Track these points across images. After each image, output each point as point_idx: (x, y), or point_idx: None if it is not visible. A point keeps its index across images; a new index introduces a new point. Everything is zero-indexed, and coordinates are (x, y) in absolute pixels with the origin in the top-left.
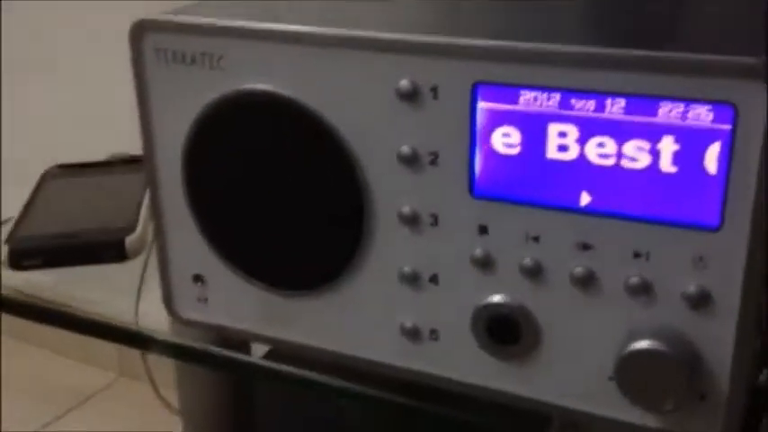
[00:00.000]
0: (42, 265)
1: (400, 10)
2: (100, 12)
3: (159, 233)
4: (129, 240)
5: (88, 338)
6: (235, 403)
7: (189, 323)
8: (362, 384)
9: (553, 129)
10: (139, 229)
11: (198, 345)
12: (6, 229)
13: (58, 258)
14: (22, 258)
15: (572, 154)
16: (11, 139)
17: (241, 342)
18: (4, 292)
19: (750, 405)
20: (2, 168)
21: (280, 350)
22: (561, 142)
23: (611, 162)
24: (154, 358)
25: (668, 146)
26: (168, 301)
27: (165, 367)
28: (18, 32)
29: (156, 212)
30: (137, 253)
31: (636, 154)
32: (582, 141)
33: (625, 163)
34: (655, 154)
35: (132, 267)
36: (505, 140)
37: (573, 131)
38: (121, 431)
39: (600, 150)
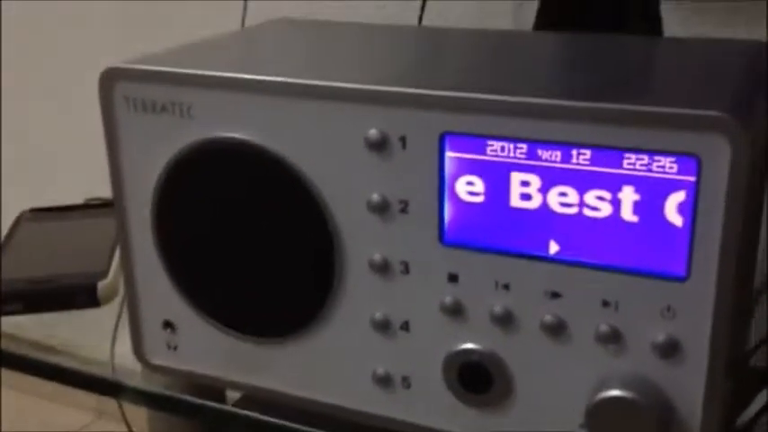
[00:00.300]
0: (21, 311)
1: (373, 60)
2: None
3: (129, 279)
4: (102, 285)
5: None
6: None
7: (158, 369)
8: None
9: (516, 178)
10: (112, 274)
11: (169, 392)
12: None
13: (35, 304)
14: (2, 304)
15: (536, 203)
16: None
17: (214, 389)
18: None
19: None
20: None
21: (253, 397)
22: (524, 191)
23: (575, 211)
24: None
25: (633, 197)
26: (138, 347)
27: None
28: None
29: (126, 258)
30: (109, 299)
31: (600, 204)
32: (544, 190)
33: (591, 213)
34: (619, 205)
35: (112, 310)
36: (470, 189)
37: (536, 181)
38: None
39: (562, 200)
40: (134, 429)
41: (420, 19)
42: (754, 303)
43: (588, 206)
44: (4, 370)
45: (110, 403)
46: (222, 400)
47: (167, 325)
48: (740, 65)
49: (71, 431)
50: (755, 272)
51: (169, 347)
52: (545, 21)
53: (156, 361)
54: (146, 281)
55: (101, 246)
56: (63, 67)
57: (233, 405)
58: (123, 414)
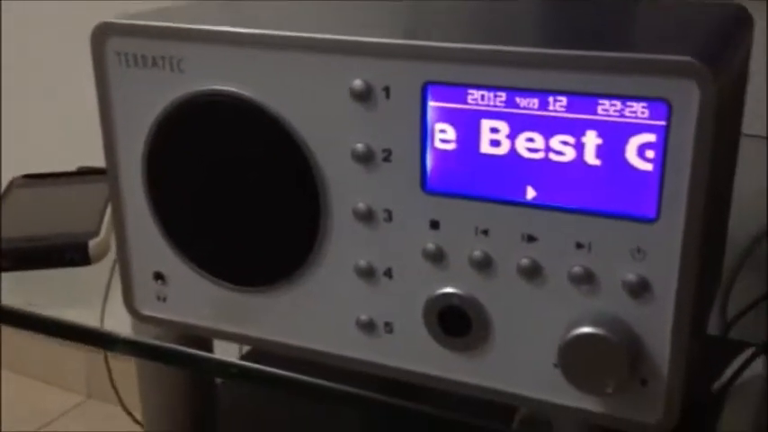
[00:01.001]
0: (9, 267)
1: (360, 12)
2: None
3: (120, 232)
4: (93, 244)
5: (56, 360)
6: (195, 411)
7: (148, 320)
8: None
9: (486, 125)
10: (103, 233)
11: (158, 342)
12: None
13: (24, 261)
14: None
15: (505, 149)
16: None
17: (203, 340)
18: None
19: (690, 391)
20: None
21: (262, 350)
22: (494, 137)
23: (548, 157)
24: (120, 377)
25: (604, 141)
26: (128, 298)
27: (132, 387)
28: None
29: (117, 211)
30: (100, 257)
31: (573, 150)
32: (512, 137)
33: (564, 158)
34: (589, 149)
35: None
36: (446, 137)
37: (505, 127)
38: None
39: (531, 145)
40: (125, 405)
41: None
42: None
43: (559, 152)
44: None
45: (100, 384)
46: (210, 351)
47: (157, 276)
48: (711, 21)
49: (61, 411)
50: (729, 216)
51: (159, 298)
52: None
53: (146, 312)
54: (137, 233)
55: (92, 208)
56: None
57: (241, 358)
58: (115, 388)
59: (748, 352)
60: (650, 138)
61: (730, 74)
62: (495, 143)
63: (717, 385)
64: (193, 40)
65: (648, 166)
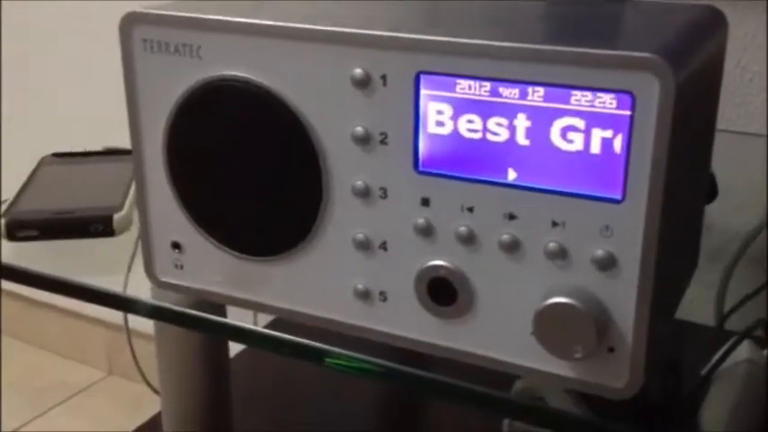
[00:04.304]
0: (36, 237)
1: (368, 8)
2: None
3: (142, 203)
4: (117, 217)
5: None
6: (211, 378)
7: (166, 286)
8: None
9: (472, 112)
10: (126, 207)
11: (176, 306)
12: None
13: (51, 231)
14: (17, 229)
15: (496, 135)
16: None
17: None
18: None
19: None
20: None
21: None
22: (478, 124)
23: (526, 142)
24: (142, 353)
25: (578, 129)
26: (149, 266)
27: (152, 367)
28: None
29: (140, 185)
30: (123, 229)
31: (552, 136)
32: (495, 124)
33: (541, 143)
34: (565, 135)
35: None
36: (439, 121)
37: (488, 115)
38: (101, 429)
39: (511, 131)
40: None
41: None
42: (700, 233)
43: (537, 138)
44: (17, 326)
45: (121, 360)
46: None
47: (175, 246)
48: (682, 20)
49: (82, 387)
50: (703, 204)
51: (176, 266)
52: None
53: (165, 278)
54: (157, 206)
55: (117, 185)
56: None
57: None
58: (136, 362)
59: (735, 338)
60: (617, 126)
61: (694, 69)
62: (480, 129)
63: (704, 371)
64: (210, 29)
65: (616, 152)
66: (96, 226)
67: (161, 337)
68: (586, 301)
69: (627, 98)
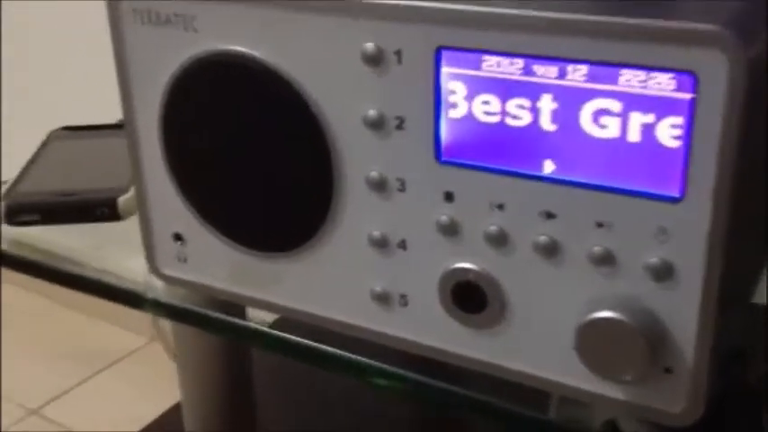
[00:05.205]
0: (38, 221)
1: None
2: None
3: (140, 193)
4: (122, 200)
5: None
6: (233, 378)
7: (169, 280)
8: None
9: (507, 94)
10: (133, 189)
11: (189, 306)
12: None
13: (53, 215)
14: (17, 214)
15: (526, 121)
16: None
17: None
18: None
19: (717, 380)
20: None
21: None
22: (509, 107)
23: (569, 130)
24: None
25: (627, 115)
26: (151, 258)
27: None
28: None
29: (137, 171)
30: (129, 213)
31: (595, 123)
32: (529, 107)
33: (585, 132)
34: (614, 123)
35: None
36: (458, 104)
37: (520, 97)
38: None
39: (549, 116)
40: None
41: None
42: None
43: (581, 125)
44: (62, 292)
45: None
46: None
47: (177, 237)
48: None
49: (124, 353)
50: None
51: (179, 259)
52: None
53: (167, 272)
54: (156, 194)
55: (126, 163)
56: None
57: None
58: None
59: None
60: (676, 111)
61: (761, 46)
62: (510, 114)
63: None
64: None
65: (674, 143)
66: (101, 210)
67: (180, 336)
68: (638, 316)
69: (688, 79)
